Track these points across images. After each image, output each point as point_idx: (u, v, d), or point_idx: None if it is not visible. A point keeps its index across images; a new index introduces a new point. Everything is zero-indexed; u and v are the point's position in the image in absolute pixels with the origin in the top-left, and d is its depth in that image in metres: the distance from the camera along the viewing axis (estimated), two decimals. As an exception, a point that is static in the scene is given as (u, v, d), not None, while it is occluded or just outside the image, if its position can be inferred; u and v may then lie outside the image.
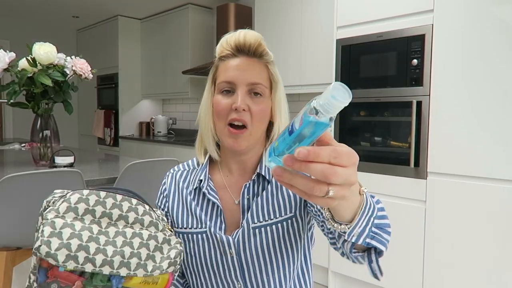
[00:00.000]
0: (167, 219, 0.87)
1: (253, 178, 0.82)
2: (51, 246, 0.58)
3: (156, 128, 4.58)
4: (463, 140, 1.82)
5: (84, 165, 1.98)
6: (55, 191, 0.69)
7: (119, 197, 0.67)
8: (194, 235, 0.82)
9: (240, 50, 0.78)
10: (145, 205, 0.69)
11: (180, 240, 0.71)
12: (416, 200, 1.99)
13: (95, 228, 0.63)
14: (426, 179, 1.95)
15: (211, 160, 0.87)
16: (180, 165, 0.92)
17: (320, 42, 2.76)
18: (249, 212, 0.80)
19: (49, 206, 0.66)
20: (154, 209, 0.75)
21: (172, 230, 0.74)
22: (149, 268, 0.64)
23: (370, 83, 2.15)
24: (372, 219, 0.57)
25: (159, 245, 0.67)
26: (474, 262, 1.80)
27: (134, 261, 0.63)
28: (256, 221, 0.79)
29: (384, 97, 2.09)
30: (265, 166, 0.80)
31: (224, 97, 0.77)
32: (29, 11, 4.42)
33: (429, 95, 1.92)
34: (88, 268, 0.59)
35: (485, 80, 1.74)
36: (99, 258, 0.60)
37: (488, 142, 1.74)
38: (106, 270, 0.60)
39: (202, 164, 0.86)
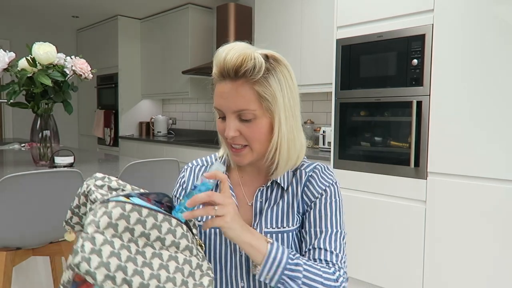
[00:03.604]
0: None
1: (268, 184, 0.85)
2: (91, 264, 0.55)
3: (156, 128, 4.58)
4: (463, 140, 1.81)
5: (84, 165, 1.98)
6: (95, 174, 0.69)
7: (160, 216, 0.64)
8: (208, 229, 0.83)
9: (223, 74, 0.74)
10: (183, 225, 0.67)
11: (211, 266, 0.69)
12: (416, 200, 1.99)
13: (133, 247, 0.60)
14: (426, 179, 1.95)
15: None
16: (199, 160, 0.95)
17: (320, 42, 2.76)
18: (264, 216, 0.82)
19: (89, 193, 0.66)
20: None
21: (203, 246, 0.73)
22: None
23: (370, 83, 2.15)
24: (279, 269, 0.71)
25: (192, 270, 0.65)
26: (474, 262, 1.80)
27: (169, 286, 0.60)
28: (269, 226, 0.82)
29: (384, 97, 2.09)
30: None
31: (222, 120, 0.79)
32: (29, 11, 4.42)
33: (429, 95, 1.92)
34: None
35: (485, 80, 1.74)
36: (136, 281, 0.57)
37: (488, 142, 1.74)
38: None
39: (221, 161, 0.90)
